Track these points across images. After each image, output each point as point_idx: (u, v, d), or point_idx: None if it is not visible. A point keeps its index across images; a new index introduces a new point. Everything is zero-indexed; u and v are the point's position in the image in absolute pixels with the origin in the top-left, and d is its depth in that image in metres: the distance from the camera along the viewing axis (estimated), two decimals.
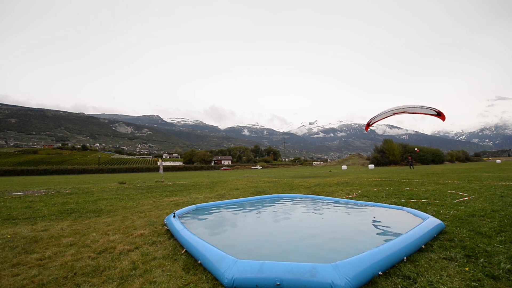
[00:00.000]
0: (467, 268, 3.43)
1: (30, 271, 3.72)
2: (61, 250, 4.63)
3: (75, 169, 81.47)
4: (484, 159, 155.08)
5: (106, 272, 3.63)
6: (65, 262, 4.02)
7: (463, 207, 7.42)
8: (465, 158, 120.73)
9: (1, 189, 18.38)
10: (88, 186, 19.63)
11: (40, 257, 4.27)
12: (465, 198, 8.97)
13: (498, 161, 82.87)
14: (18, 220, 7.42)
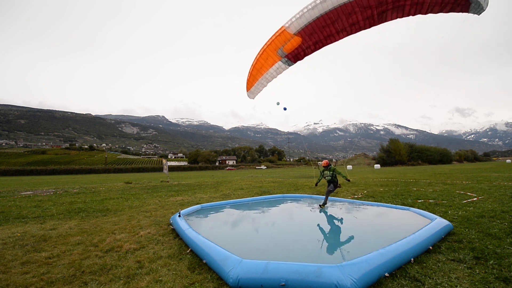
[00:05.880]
0: (476, 270, 3.37)
1: (39, 269, 3.79)
2: (69, 248, 4.70)
3: (83, 169, 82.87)
4: (494, 159, 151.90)
5: (113, 271, 3.67)
6: (73, 261, 4.08)
7: (472, 207, 7.28)
8: (474, 158, 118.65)
9: (11, 189, 18.80)
10: (95, 186, 19.93)
11: (48, 256, 4.34)
12: (474, 199, 8.80)
13: (508, 161, 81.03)
14: (27, 218, 7.58)
